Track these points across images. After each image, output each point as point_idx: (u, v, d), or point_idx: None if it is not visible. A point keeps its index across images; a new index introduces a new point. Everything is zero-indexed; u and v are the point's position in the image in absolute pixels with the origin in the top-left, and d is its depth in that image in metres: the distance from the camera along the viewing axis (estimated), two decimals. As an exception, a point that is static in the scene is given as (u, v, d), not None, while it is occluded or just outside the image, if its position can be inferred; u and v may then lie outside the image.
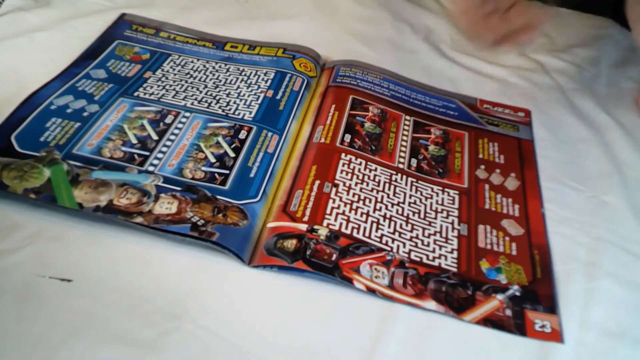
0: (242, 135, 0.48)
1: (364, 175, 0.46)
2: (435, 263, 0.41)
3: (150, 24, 0.61)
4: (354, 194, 0.44)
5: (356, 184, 0.45)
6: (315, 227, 0.41)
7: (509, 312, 0.38)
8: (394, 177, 0.47)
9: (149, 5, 0.63)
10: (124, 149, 0.45)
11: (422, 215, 0.44)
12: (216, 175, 0.44)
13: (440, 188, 0.47)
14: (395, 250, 0.41)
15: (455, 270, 0.40)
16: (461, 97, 0.57)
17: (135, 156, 0.45)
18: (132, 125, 0.47)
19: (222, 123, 0.49)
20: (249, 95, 0.52)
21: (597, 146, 0.53)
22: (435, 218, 0.44)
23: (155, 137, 0.47)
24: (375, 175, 0.46)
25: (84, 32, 0.57)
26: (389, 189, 0.45)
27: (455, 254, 0.41)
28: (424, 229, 0.43)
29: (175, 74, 0.54)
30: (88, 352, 0.33)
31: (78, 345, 0.33)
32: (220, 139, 0.47)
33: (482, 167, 0.49)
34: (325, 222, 0.41)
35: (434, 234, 0.43)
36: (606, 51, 0.65)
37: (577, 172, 0.50)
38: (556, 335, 0.37)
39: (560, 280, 0.40)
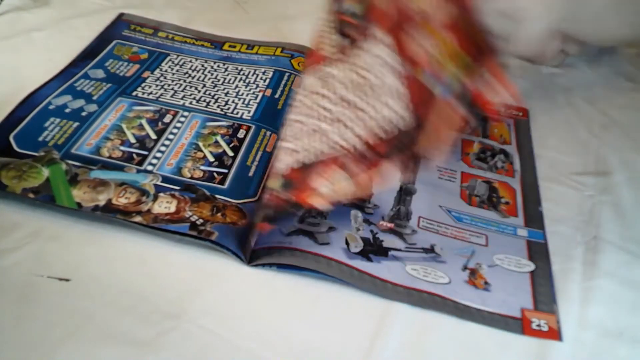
0: (241, 134, 0.48)
1: None
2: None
3: (149, 24, 0.61)
4: None
5: None
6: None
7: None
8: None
9: (147, 6, 0.63)
10: (122, 148, 0.45)
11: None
12: (215, 174, 0.44)
13: None
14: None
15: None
16: None
17: (134, 155, 0.45)
18: (131, 124, 0.47)
19: (221, 122, 0.49)
20: (247, 95, 0.52)
21: (595, 145, 0.53)
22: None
23: (153, 136, 0.47)
24: None
25: (83, 31, 0.58)
26: None
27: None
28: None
29: (173, 74, 0.54)
30: (86, 352, 0.33)
31: (76, 344, 0.33)
32: (218, 138, 0.47)
33: None
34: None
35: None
36: (606, 51, 0.65)
37: (576, 170, 0.50)
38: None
39: (559, 279, 0.40)
